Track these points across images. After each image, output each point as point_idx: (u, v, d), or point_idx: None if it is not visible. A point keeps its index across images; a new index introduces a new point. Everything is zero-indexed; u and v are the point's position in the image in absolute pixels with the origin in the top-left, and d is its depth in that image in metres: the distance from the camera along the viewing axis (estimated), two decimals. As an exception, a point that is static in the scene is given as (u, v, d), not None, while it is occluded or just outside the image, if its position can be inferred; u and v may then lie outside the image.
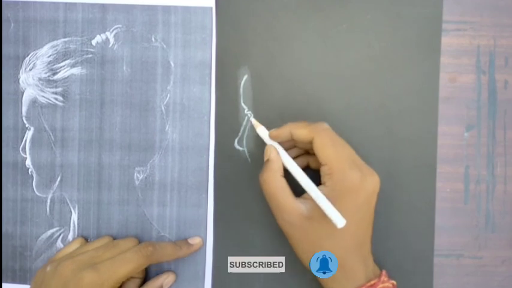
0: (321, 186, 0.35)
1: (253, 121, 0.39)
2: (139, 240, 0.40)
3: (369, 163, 0.41)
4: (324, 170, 0.35)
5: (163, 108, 0.41)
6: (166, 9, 0.41)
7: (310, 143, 0.36)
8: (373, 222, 0.36)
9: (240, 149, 0.41)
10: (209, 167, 0.41)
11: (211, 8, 0.41)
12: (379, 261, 0.40)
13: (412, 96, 0.41)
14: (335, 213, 0.33)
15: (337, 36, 0.41)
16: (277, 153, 0.37)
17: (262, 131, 0.38)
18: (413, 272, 0.40)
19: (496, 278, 0.41)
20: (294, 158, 0.38)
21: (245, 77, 0.41)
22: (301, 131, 0.36)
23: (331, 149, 0.35)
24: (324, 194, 0.34)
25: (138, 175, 0.41)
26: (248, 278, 0.41)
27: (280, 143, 0.38)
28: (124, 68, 0.41)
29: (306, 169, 0.37)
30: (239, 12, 0.41)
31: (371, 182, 0.35)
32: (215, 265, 0.41)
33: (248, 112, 0.41)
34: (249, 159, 0.41)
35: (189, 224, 0.41)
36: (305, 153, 0.39)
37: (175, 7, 0.41)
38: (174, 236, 0.41)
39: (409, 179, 0.41)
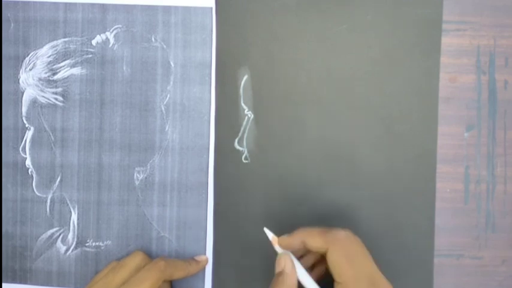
0: None
1: (270, 236, 0.35)
2: (145, 251, 0.40)
3: (369, 163, 0.41)
4: None
5: (163, 108, 0.41)
6: (166, 9, 0.41)
7: (325, 253, 0.32)
8: None
9: (240, 149, 0.41)
10: (209, 167, 0.41)
11: (211, 8, 0.41)
12: (379, 262, 0.40)
13: (412, 96, 0.41)
14: None
15: (337, 37, 0.41)
16: (293, 265, 0.33)
17: (271, 235, 0.35)
18: (413, 272, 0.40)
19: (496, 278, 0.41)
20: (309, 269, 0.35)
21: (245, 77, 0.41)
22: (314, 241, 0.32)
23: (346, 267, 0.31)
24: None
25: (138, 175, 0.41)
26: (248, 278, 0.41)
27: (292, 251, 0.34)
28: (124, 68, 0.41)
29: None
30: (239, 12, 0.41)
31: None
32: (215, 265, 0.41)
33: (248, 112, 0.41)
34: (249, 159, 0.41)
35: (189, 224, 0.41)
36: (319, 260, 0.36)
37: (175, 7, 0.41)
38: (174, 236, 0.41)
39: (409, 179, 0.41)
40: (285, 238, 0.33)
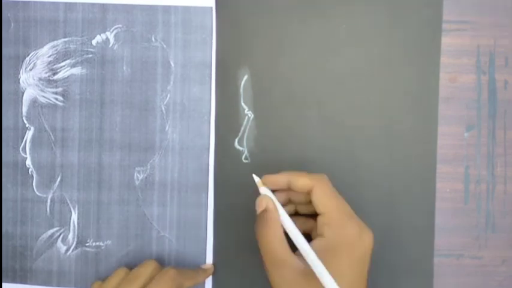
0: (318, 238, 0.34)
1: (256, 179, 0.36)
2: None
3: (369, 163, 0.41)
4: (321, 220, 0.34)
5: (163, 108, 0.41)
6: (166, 9, 0.41)
7: (308, 193, 0.34)
8: (367, 282, 0.34)
9: (240, 149, 0.41)
10: (209, 167, 0.41)
11: (211, 8, 0.41)
12: (379, 262, 0.40)
13: (412, 96, 0.41)
14: (331, 282, 0.31)
15: (337, 36, 0.41)
16: (274, 203, 0.35)
17: (257, 179, 0.36)
18: (413, 272, 0.40)
19: (496, 278, 0.41)
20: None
21: (245, 77, 0.41)
22: (300, 180, 0.34)
23: (332, 199, 0.34)
24: (321, 246, 0.33)
25: (138, 175, 0.41)
26: (248, 278, 0.41)
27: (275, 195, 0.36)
28: (124, 68, 0.41)
29: None
30: (239, 12, 0.41)
31: (367, 237, 0.34)
32: (215, 265, 0.41)
33: (248, 112, 0.41)
34: (249, 159, 0.41)
35: (189, 224, 0.41)
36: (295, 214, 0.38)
37: (175, 7, 0.41)
38: (174, 236, 0.41)
39: (409, 179, 0.41)
40: (271, 176, 0.35)
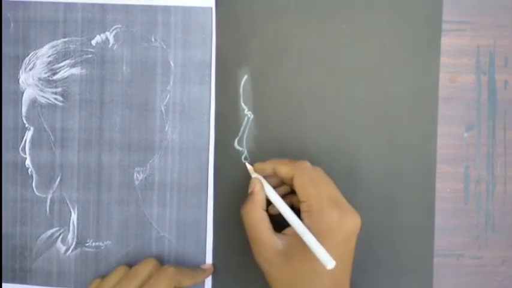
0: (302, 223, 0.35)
1: (248, 166, 0.39)
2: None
3: (369, 163, 0.41)
4: (303, 207, 0.35)
5: (163, 108, 0.41)
6: (166, 9, 0.41)
7: (292, 180, 0.36)
8: (353, 262, 0.35)
9: (240, 149, 0.41)
10: (209, 167, 0.41)
11: (211, 8, 0.41)
12: (379, 262, 0.40)
13: (412, 96, 0.41)
14: (324, 253, 0.32)
15: (337, 37, 0.41)
16: (262, 186, 0.37)
17: (249, 166, 0.39)
18: (413, 272, 0.40)
19: (496, 278, 0.41)
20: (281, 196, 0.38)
21: (245, 77, 0.41)
22: (282, 168, 0.36)
23: (310, 187, 0.35)
24: None
25: (138, 175, 0.41)
26: (248, 278, 0.41)
27: (268, 180, 0.38)
28: (124, 68, 0.41)
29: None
30: (239, 12, 0.41)
31: (351, 222, 0.34)
32: (215, 265, 0.41)
33: (248, 112, 0.41)
34: (249, 159, 0.41)
35: (189, 224, 0.41)
36: (291, 192, 0.39)
37: (175, 7, 0.41)
38: (174, 236, 0.41)
39: (409, 179, 0.41)
40: (260, 164, 0.38)
